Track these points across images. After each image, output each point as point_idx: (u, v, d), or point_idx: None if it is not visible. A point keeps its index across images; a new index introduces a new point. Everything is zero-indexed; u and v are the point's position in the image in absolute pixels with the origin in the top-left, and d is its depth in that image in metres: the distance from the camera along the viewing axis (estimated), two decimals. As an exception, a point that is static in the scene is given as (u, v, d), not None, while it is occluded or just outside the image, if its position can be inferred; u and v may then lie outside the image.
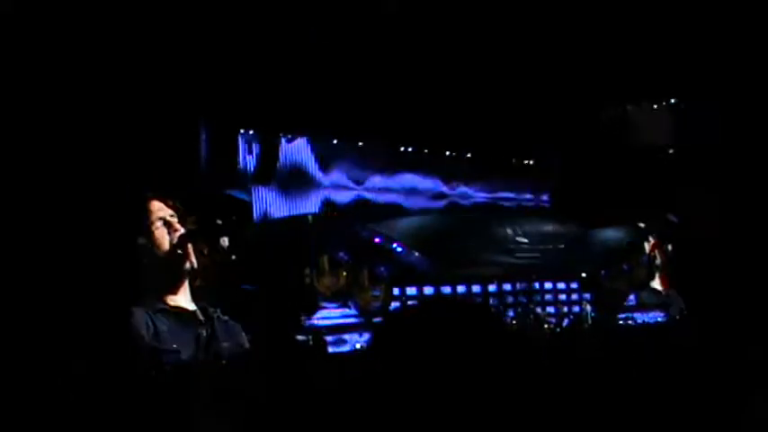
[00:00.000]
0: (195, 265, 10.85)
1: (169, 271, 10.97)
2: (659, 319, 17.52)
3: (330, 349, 12.08)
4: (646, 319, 17.61)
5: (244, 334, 11.96)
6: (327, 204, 15.66)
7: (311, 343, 12.56)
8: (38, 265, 9.84)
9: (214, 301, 12.00)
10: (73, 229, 10.26)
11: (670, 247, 20.49)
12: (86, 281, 10.21)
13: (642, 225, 20.01)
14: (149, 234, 11.24)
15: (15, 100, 10.13)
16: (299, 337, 12.54)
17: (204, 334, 11.03)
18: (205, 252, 12.08)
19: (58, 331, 9.50)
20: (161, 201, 11.14)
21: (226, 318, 11.93)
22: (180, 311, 11.13)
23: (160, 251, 10.93)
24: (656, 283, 20.02)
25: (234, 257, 12.84)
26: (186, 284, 10.91)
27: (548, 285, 18.94)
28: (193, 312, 11.47)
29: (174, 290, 10.84)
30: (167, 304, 11.19)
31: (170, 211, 10.92)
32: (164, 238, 11.13)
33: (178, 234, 10.62)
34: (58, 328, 9.58)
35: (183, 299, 11.04)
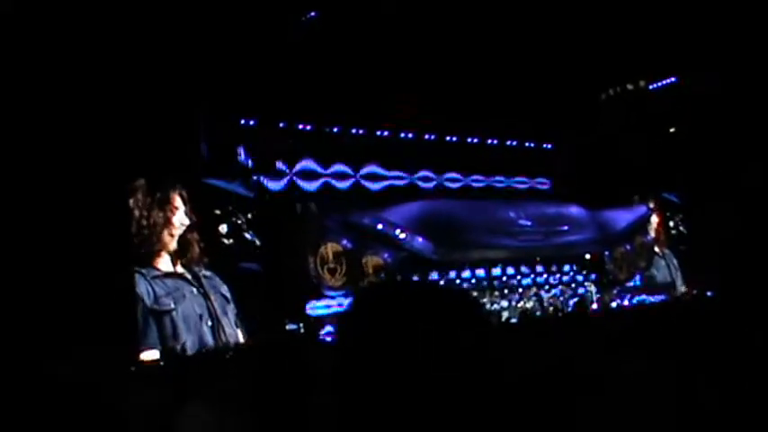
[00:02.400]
0: (177, 234, 11.79)
1: (156, 240, 12.00)
2: (662, 299, 17.59)
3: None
4: (650, 299, 17.68)
5: (225, 286, 12.89)
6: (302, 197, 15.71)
7: (302, 330, 12.69)
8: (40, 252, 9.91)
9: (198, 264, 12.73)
10: (75, 215, 10.34)
11: (672, 224, 20.58)
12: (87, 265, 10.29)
13: (644, 205, 20.08)
14: (145, 213, 12.07)
15: (18, 97, 10.14)
16: (291, 326, 12.68)
17: (195, 291, 12.17)
18: (198, 240, 12.67)
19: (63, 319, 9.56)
20: (174, 192, 11.95)
21: (209, 273, 12.98)
22: (171, 274, 12.35)
23: (154, 227, 11.84)
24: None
25: (231, 241, 13.19)
26: (169, 250, 11.84)
27: (552, 267, 18.99)
28: (181, 274, 12.57)
29: (161, 256, 11.88)
30: (159, 270, 12.29)
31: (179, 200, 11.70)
32: (158, 218, 12.09)
33: (176, 217, 11.47)
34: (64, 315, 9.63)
35: (168, 263, 12.14)
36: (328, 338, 11.97)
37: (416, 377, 1.20)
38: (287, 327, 13.16)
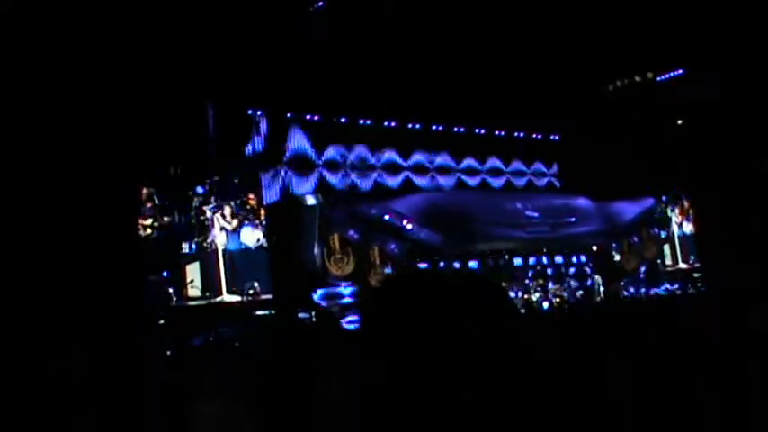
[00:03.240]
0: None
1: None
2: (669, 291, 17.58)
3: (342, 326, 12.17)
4: (656, 291, 17.68)
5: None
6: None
7: (314, 320, 12.74)
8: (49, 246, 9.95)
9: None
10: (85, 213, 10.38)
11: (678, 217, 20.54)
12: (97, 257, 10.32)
13: (651, 197, 20.05)
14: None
15: (19, 96, 10.15)
16: (303, 315, 12.72)
17: None
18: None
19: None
20: None
21: None
22: None
23: None
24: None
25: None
26: None
27: (558, 259, 19.00)
28: None
29: None
30: None
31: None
32: None
33: None
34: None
35: None
36: (340, 327, 12.02)
37: (442, 364, 1.24)
38: (297, 316, 13.22)
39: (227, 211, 13.67)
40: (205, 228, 13.59)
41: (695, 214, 20.02)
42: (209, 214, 13.65)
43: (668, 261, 19.91)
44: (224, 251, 13.68)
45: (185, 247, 13.38)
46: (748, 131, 16.15)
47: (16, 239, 9.87)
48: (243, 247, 13.90)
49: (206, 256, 13.48)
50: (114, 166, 10.92)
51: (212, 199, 13.72)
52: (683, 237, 20.31)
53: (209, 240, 13.61)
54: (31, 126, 10.25)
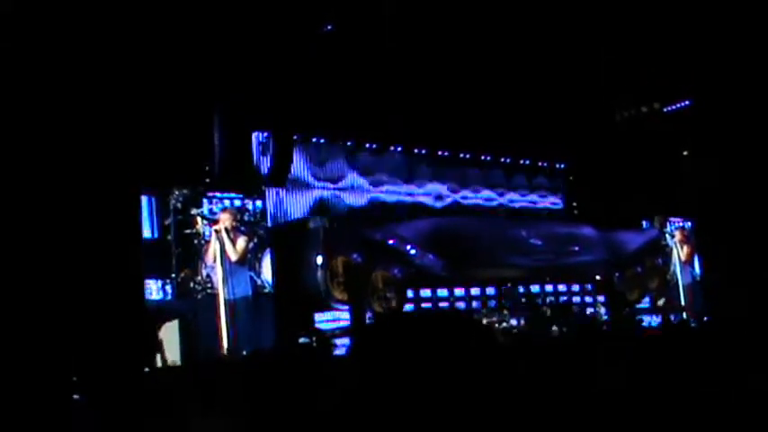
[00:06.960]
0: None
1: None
2: (671, 322, 17.48)
3: (340, 351, 12.10)
4: (658, 322, 17.58)
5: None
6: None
7: (315, 345, 12.67)
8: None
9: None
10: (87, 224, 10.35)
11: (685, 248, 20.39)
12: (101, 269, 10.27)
13: (655, 228, 19.98)
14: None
15: (19, 98, 10.11)
16: (303, 339, 12.61)
17: None
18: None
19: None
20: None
21: None
22: None
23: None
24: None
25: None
26: None
27: (561, 287, 18.93)
28: None
29: None
30: None
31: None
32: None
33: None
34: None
35: None
36: (339, 352, 11.95)
37: (427, 397, 1.24)
38: (298, 340, 13.11)
39: (226, 218, 9.04)
40: (194, 251, 9.16)
41: (699, 246, 19.93)
42: (201, 226, 9.42)
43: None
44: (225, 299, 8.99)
45: (154, 289, 8.69)
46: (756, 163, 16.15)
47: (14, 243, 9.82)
48: (267, 288, 10.14)
49: (196, 309, 8.98)
50: (115, 175, 10.82)
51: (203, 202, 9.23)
52: (691, 284, 19.63)
53: (200, 278, 9.09)
54: (31, 128, 10.18)
